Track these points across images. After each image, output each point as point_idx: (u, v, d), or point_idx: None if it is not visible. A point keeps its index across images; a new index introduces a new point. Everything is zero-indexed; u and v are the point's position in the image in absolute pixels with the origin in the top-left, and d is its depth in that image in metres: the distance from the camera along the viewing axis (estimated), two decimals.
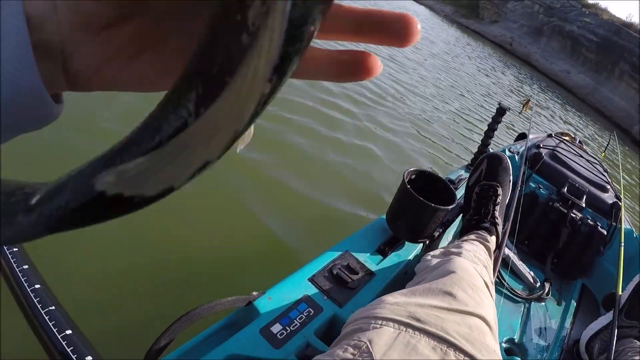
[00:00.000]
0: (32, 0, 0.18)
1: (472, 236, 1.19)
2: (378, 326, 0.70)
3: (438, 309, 0.76)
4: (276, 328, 0.90)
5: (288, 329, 0.91)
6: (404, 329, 0.69)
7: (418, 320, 0.71)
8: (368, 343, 0.65)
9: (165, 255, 1.59)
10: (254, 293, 0.96)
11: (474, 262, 0.99)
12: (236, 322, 0.94)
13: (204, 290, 1.51)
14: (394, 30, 0.19)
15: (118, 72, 0.22)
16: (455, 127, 4.75)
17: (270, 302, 0.95)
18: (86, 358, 0.42)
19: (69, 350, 0.43)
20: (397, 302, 0.77)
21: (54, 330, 0.47)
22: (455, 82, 7.40)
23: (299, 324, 0.93)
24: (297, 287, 1.01)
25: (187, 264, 1.60)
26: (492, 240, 1.20)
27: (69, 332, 0.43)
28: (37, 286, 0.54)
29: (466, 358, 0.66)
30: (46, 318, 0.50)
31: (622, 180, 2.16)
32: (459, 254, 1.02)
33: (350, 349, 0.65)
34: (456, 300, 0.80)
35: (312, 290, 1.01)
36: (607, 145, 3.79)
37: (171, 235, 1.67)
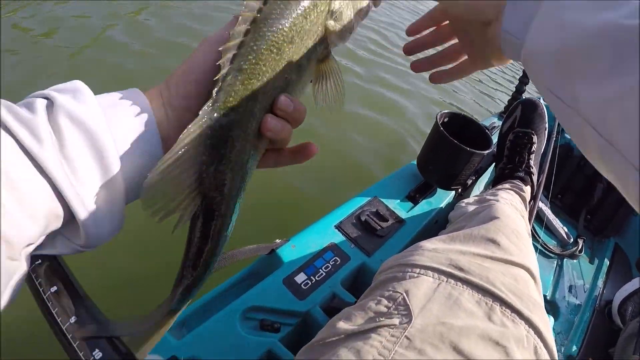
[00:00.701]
0: (155, 111, 0.35)
1: (507, 185, 1.10)
2: (415, 275, 0.62)
3: (481, 258, 0.67)
4: (300, 278, 0.84)
5: (313, 278, 0.85)
6: (445, 278, 0.61)
7: (460, 269, 0.63)
8: (404, 294, 0.57)
9: None
10: (277, 241, 0.90)
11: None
12: (258, 272, 0.89)
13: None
14: (302, 157, 0.42)
15: None
16: (483, 79, 4.54)
17: (294, 250, 0.89)
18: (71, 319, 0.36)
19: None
20: (435, 249, 0.68)
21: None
22: None
23: (324, 274, 0.87)
24: (323, 234, 0.94)
25: None
26: (527, 190, 1.11)
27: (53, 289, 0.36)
28: None
29: (513, 314, 0.57)
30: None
31: None
32: (497, 201, 0.93)
33: (385, 301, 0.58)
34: (500, 248, 0.71)
35: (338, 237, 0.95)
36: None
37: None
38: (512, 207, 0.94)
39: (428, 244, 0.71)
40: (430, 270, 0.62)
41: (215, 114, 0.32)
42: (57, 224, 0.31)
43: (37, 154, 0.28)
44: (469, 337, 0.52)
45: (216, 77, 0.32)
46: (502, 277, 0.63)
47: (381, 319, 0.55)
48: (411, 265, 0.64)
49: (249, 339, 0.74)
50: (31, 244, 0.30)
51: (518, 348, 0.54)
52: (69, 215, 0.31)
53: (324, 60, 0.40)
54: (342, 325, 0.56)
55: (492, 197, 0.98)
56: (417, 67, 0.56)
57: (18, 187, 0.27)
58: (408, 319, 0.54)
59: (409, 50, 0.56)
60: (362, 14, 0.43)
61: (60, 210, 0.30)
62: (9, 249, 0.27)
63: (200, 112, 0.32)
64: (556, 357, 0.58)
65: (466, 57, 0.53)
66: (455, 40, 0.53)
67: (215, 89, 0.32)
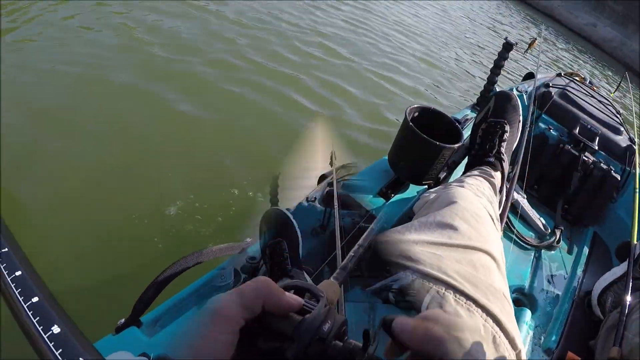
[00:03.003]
0: None
1: (476, 172, 1.09)
2: None
3: (436, 245, 0.68)
4: None
5: None
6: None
7: (409, 259, 0.63)
8: None
9: (145, 209, 1.56)
10: (248, 240, 0.91)
11: (477, 196, 0.90)
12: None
13: (194, 242, 1.47)
14: None
15: None
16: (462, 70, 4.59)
17: None
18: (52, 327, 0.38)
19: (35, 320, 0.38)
20: (387, 241, 0.69)
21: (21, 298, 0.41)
22: (472, 40, 7.13)
23: None
24: None
25: (173, 217, 1.55)
26: (497, 176, 1.09)
27: (35, 299, 0.38)
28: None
29: (468, 302, 0.57)
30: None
31: (635, 122, 2.01)
32: (460, 187, 0.94)
33: None
34: (458, 233, 0.72)
35: None
36: (618, 85, 3.43)
37: (154, 192, 1.64)
38: (477, 191, 0.93)
39: (380, 236, 0.72)
40: None
41: None
42: None
43: None
44: None
45: None
46: (456, 264, 0.63)
47: None
48: None
49: None
50: None
51: (473, 338, 0.52)
52: None
53: None
54: None
55: (456, 184, 0.99)
56: None
57: None
58: None
59: None
60: None
61: None
62: None
63: None
64: (521, 347, 0.56)
65: None
66: None
67: None
